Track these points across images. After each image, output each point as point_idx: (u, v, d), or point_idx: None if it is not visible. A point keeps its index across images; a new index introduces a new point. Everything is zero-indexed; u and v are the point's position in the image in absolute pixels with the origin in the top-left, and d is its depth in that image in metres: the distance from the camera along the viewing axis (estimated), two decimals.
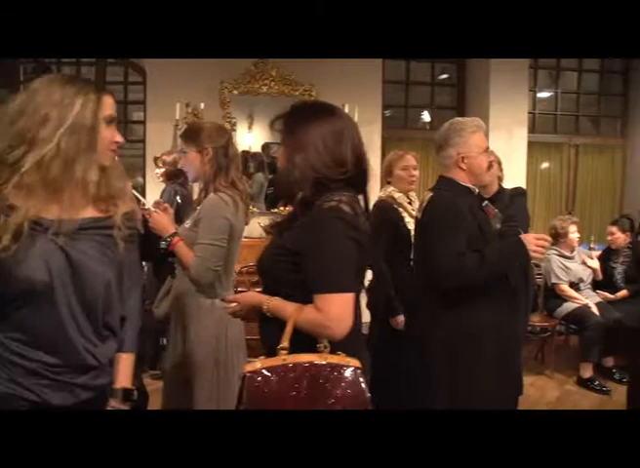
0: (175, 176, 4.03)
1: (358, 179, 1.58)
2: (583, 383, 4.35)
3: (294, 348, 1.45)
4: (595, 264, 4.81)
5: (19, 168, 1.30)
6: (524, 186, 4.95)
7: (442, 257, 2.19)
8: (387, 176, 3.34)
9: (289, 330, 1.46)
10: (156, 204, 2.29)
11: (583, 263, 4.82)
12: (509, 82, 5.61)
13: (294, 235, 1.55)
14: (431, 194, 2.41)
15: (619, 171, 6.36)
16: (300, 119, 1.59)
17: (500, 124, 5.54)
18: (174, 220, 2.27)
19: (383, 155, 5.23)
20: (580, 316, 4.52)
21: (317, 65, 4.69)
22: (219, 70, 4.92)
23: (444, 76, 6.24)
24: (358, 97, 5.24)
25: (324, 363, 1.43)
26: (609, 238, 4.94)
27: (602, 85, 6.43)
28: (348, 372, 1.43)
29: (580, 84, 6.35)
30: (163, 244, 2.17)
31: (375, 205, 3.23)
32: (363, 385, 1.44)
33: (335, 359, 1.44)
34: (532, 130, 5.97)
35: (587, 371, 4.38)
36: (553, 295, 4.74)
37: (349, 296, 1.46)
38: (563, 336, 5.16)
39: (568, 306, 4.62)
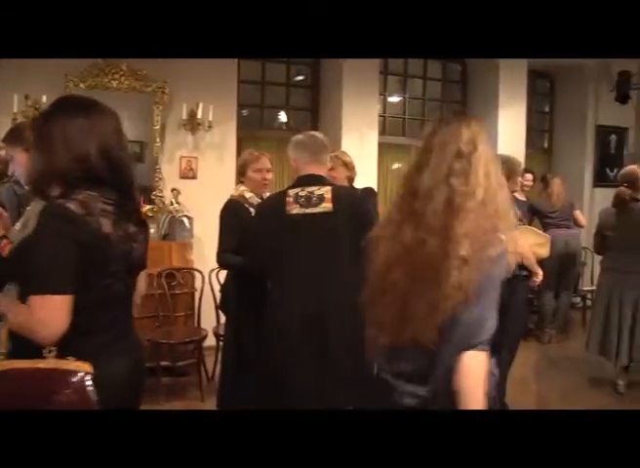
0: (4, 175, 3.66)
1: (109, 177, 1.50)
2: None
3: (18, 352, 1.38)
4: None
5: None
6: (375, 186, 5.20)
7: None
8: (240, 176, 3.34)
9: (4, 332, 1.39)
10: None
11: None
12: (361, 86, 5.80)
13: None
14: (331, 187, 2.62)
15: None
16: (45, 115, 1.52)
17: (352, 126, 5.74)
18: (12, 223, 2.11)
19: (239, 155, 5.20)
20: None
21: (170, 62, 4.52)
22: (63, 61, 4.55)
23: (299, 78, 6.33)
24: (213, 95, 5.17)
25: (46, 368, 1.34)
26: None
27: (444, 92, 6.90)
28: (74, 378, 1.35)
29: (425, 91, 6.76)
30: None
31: (225, 204, 3.21)
32: (90, 390, 1.36)
33: (61, 364, 1.35)
34: (382, 132, 6.24)
35: None
36: None
37: (59, 299, 1.35)
38: None
39: None
